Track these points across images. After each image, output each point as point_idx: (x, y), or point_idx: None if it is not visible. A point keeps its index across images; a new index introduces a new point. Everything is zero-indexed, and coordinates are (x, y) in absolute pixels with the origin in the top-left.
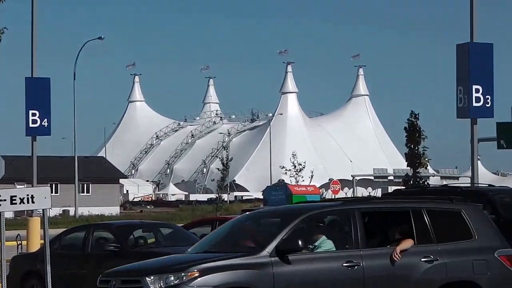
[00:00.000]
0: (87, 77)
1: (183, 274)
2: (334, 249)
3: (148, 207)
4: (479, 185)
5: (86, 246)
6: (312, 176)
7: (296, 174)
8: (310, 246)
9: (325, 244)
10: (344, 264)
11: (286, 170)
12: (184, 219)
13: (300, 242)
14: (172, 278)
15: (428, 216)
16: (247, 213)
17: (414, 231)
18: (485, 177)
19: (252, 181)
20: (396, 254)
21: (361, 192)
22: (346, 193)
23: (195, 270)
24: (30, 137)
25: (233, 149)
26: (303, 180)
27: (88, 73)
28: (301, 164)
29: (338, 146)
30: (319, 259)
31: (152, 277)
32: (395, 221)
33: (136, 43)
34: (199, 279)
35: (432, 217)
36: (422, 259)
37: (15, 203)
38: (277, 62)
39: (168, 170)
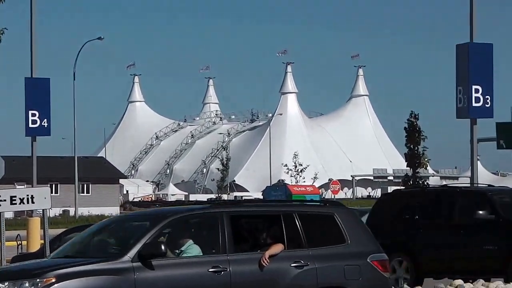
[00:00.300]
0: (87, 77)
1: (38, 280)
2: (201, 254)
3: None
4: (479, 185)
5: None
6: (315, 178)
7: (297, 174)
8: (176, 251)
9: (192, 249)
10: (210, 270)
11: (288, 168)
12: None
13: (164, 247)
14: (26, 285)
15: (299, 220)
16: (113, 216)
17: (285, 235)
18: (485, 177)
19: (252, 181)
20: (265, 259)
21: (361, 192)
22: (346, 193)
23: (52, 276)
24: (30, 137)
25: (233, 149)
26: (304, 181)
27: (88, 73)
28: (301, 165)
29: (338, 146)
30: (184, 265)
31: (6, 284)
32: (266, 225)
33: (136, 43)
34: (55, 285)
35: (303, 221)
36: (292, 265)
37: (15, 203)
38: (276, 62)
39: (168, 170)
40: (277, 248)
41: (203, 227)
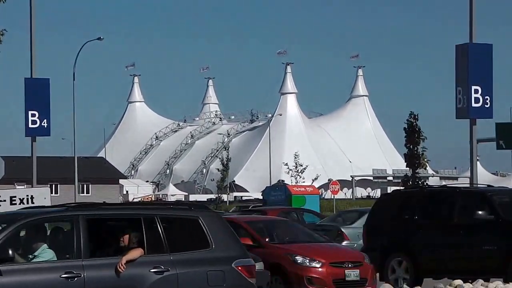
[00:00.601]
0: (87, 78)
1: None
2: (55, 259)
3: None
4: (478, 185)
5: None
6: (316, 178)
7: (297, 174)
8: (30, 256)
9: (45, 253)
10: (63, 275)
11: (288, 168)
12: None
13: (12, 251)
14: None
15: (161, 223)
16: None
17: (145, 239)
18: (484, 177)
19: (251, 182)
20: (121, 264)
21: (360, 192)
22: (345, 193)
23: None
24: (29, 137)
25: (233, 149)
26: (304, 181)
27: (88, 73)
28: (302, 165)
29: (337, 147)
30: (35, 270)
31: None
32: (126, 228)
33: (135, 43)
34: None
35: (166, 225)
36: (151, 270)
37: (15, 204)
38: (276, 63)
39: (168, 171)
40: (135, 253)
41: (58, 231)
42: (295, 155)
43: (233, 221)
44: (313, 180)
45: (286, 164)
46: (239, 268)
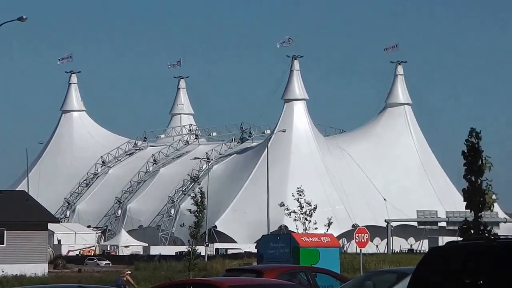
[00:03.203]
0: (7, 77)
1: None
2: None
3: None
4: None
5: None
6: (330, 223)
7: (305, 218)
8: None
9: None
10: None
11: (289, 211)
12: (142, 283)
13: None
14: None
15: None
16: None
17: None
18: None
19: (240, 228)
20: None
21: (399, 244)
22: (377, 246)
23: None
24: None
25: (214, 181)
26: (316, 228)
27: (11, 72)
28: (310, 204)
29: (366, 178)
30: None
31: None
32: None
33: (69, 26)
34: None
35: None
36: None
37: None
38: (278, 55)
39: (120, 211)
40: None
41: None
42: (299, 190)
43: (216, 285)
44: (327, 226)
45: (282, 204)
46: None
